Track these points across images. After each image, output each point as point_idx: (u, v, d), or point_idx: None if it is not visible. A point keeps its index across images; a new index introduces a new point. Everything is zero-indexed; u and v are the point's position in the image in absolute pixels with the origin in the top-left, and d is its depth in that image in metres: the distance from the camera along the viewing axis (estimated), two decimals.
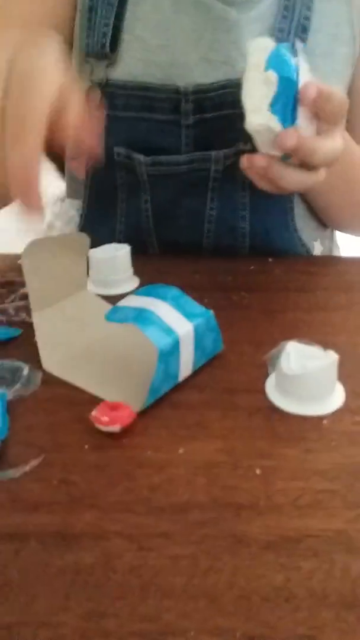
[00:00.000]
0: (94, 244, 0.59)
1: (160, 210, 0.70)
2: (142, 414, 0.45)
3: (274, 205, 0.70)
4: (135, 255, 0.65)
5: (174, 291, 0.50)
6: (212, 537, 0.36)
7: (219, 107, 0.65)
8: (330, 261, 0.69)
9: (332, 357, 0.46)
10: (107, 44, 0.64)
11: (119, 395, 0.46)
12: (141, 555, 0.35)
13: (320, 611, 0.31)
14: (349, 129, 0.68)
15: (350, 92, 0.70)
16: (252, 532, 0.36)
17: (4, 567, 0.34)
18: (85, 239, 0.53)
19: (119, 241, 0.66)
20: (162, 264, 0.68)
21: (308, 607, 0.31)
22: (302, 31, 0.64)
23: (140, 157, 0.66)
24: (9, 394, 0.47)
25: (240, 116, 0.64)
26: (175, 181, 0.67)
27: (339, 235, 0.86)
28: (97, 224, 0.73)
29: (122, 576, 0.33)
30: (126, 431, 0.44)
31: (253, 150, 0.56)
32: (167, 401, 0.47)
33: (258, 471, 0.40)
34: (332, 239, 0.83)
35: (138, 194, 0.69)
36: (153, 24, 0.64)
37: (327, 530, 0.35)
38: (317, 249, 0.77)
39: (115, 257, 0.63)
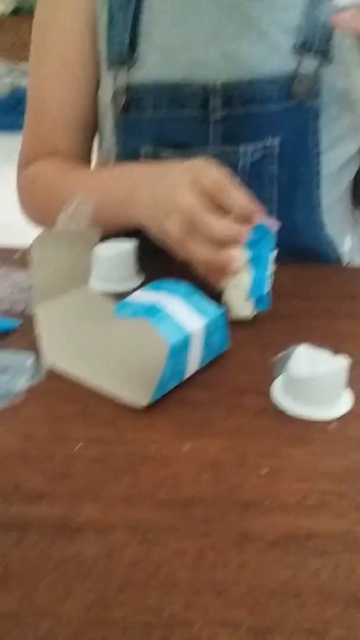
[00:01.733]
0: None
1: None
2: (146, 410, 0.45)
3: (301, 199, 0.70)
4: (142, 252, 0.65)
5: (185, 287, 0.50)
6: (217, 532, 0.35)
7: (248, 103, 0.65)
8: (337, 270, 0.69)
9: (342, 362, 0.46)
10: (126, 49, 0.66)
11: (123, 390, 0.46)
12: (145, 548, 0.34)
13: (326, 608, 0.30)
14: None
15: None
16: (258, 529, 0.35)
17: (4, 556, 0.34)
18: (93, 233, 0.53)
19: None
20: (169, 262, 0.67)
21: (314, 604, 0.30)
22: (329, 29, 0.64)
23: (169, 153, 0.67)
24: (17, 384, 0.46)
25: (267, 112, 0.65)
26: None
27: None
28: None
29: (126, 568, 0.33)
30: (129, 426, 0.43)
31: (280, 145, 0.61)
32: (171, 398, 0.47)
33: (264, 470, 0.40)
34: None
35: None
36: (169, 25, 0.65)
37: (333, 531, 0.35)
38: (347, 245, 0.76)
39: (120, 253, 0.62)
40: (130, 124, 0.69)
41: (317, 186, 0.69)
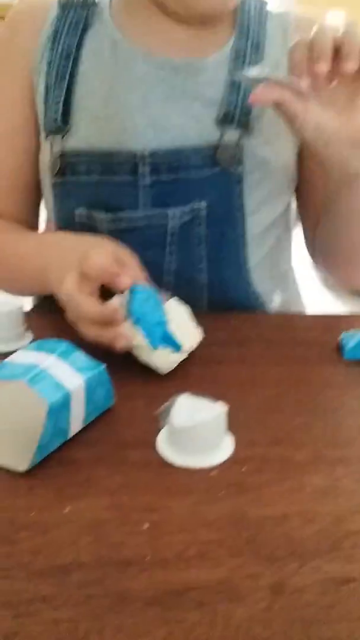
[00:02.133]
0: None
1: None
2: (28, 473, 0.44)
3: (228, 258, 0.73)
4: (32, 311, 0.64)
5: (64, 345, 0.50)
6: (95, 597, 0.34)
7: (175, 170, 0.69)
8: (224, 317, 0.72)
9: (220, 408, 0.47)
10: (59, 118, 0.70)
11: (3, 454, 0.45)
12: (18, 622, 0.33)
13: None
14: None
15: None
16: (137, 588, 0.35)
17: None
18: None
19: None
20: (59, 320, 0.67)
21: None
22: (248, 103, 0.67)
23: (101, 215, 0.70)
24: None
25: (193, 178, 0.69)
26: (135, 236, 0.69)
27: (303, 287, 0.89)
28: None
29: None
30: (9, 493, 0.42)
31: (207, 207, 0.68)
32: (55, 458, 0.46)
33: (146, 526, 0.40)
34: (292, 291, 0.85)
35: None
36: (101, 97, 0.70)
37: (210, 581, 0.35)
38: (276, 301, 0.80)
39: (7, 312, 0.62)
40: (65, 188, 0.72)
41: (244, 246, 0.73)
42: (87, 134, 0.70)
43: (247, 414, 0.52)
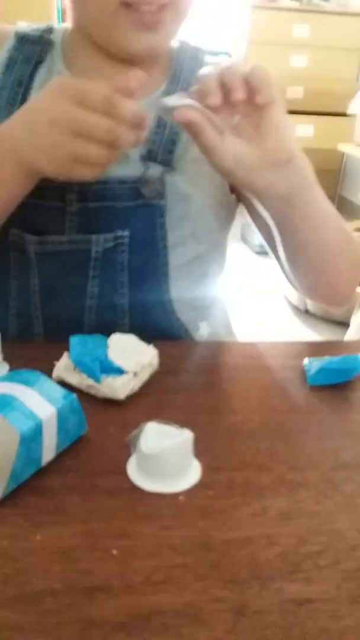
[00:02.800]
0: None
1: (46, 287, 0.74)
2: (1, 502, 0.45)
3: (150, 285, 0.76)
4: (7, 341, 0.65)
5: (36, 375, 0.51)
6: (63, 623, 0.36)
7: (100, 199, 0.72)
8: (192, 345, 0.74)
9: (186, 435, 0.49)
10: None
11: None
12: None
13: None
14: None
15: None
16: (105, 614, 0.36)
17: None
18: None
19: (12, 316, 0.70)
20: (34, 349, 0.69)
21: None
22: (171, 143, 0.73)
23: (29, 236, 0.72)
24: None
25: (118, 208, 0.72)
26: (60, 259, 0.72)
27: (238, 320, 0.92)
28: None
29: None
30: None
31: (130, 236, 0.70)
32: (27, 487, 0.47)
33: (114, 552, 0.41)
34: (220, 322, 0.87)
35: (27, 272, 0.74)
36: None
37: (176, 604, 0.37)
38: (204, 330, 0.82)
39: None
40: None
41: (166, 275, 0.76)
42: None
43: (214, 439, 0.54)
